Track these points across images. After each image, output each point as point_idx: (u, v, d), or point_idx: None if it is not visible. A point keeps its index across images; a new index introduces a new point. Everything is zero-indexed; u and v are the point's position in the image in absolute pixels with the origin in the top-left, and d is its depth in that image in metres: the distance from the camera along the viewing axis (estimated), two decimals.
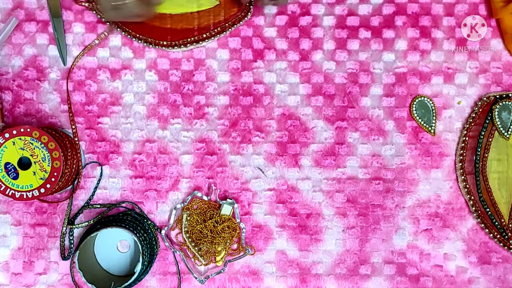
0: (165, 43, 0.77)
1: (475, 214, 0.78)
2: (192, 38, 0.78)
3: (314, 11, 0.79)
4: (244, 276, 0.78)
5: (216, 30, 0.78)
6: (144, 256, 0.72)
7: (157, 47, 0.78)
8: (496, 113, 0.77)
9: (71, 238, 0.77)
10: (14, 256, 0.77)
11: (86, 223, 0.76)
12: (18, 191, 0.68)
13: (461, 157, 0.78)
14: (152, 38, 0.77)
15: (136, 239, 0.72)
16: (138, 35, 0.77)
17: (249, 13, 0.78)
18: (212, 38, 0.78)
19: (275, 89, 0.79)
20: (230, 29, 0.78)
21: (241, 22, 0.78)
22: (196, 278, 0.77)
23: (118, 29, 0.77)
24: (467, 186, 0.78)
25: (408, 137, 0.79)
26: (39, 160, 0.68)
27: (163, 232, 0.77)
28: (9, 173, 0.68)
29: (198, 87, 0.79)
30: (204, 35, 0.77)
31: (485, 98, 0.78)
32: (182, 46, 0.78)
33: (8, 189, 0.68)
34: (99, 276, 0.75)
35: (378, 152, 0.79)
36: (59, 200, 0.78)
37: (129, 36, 0.77)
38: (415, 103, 0.79)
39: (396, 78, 0.79)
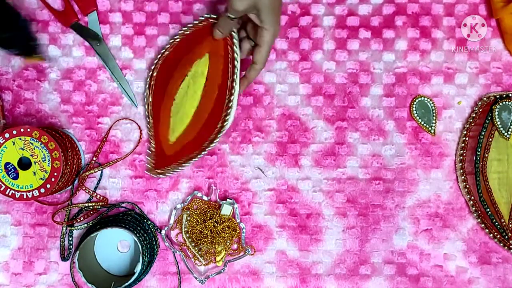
0: None
1: (475, 214, 0.78)
2: None
3: (314, 11, 0.79)
4: (244, 276, 0.78)
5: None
6: (144, 256, 0.72)
7: None
8: (496, 113, 0.77)
9: (70, 239, 0.76)
10: (14, 256, 0.77)
11: (86, 224, 0.76)
12: (18, 191, 0.68)
13: (461, 157, 0.78)
14: None
15: (136, 239, 0.72)
16: None
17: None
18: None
19: (275, 89, 0.79)
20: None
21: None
22: (196, 278, 0.77)
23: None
24: (467, 186, 0.78)
25: (408, 137, 0.79)
26: (39, 160, 0.68)
27: (163, 232, 0.77)
28: (9, 173, 0.68)
29: None
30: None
31: (485, 98, 0.78)
32: None
33: (8, 189, 0.68)
34: (99, 276, 0.75)
35: (378, 152, 0.79)
36: (58, 201, 0.78)
37: None
38: (415, 103, 0.79)
39: (396, 78, 0.79)
